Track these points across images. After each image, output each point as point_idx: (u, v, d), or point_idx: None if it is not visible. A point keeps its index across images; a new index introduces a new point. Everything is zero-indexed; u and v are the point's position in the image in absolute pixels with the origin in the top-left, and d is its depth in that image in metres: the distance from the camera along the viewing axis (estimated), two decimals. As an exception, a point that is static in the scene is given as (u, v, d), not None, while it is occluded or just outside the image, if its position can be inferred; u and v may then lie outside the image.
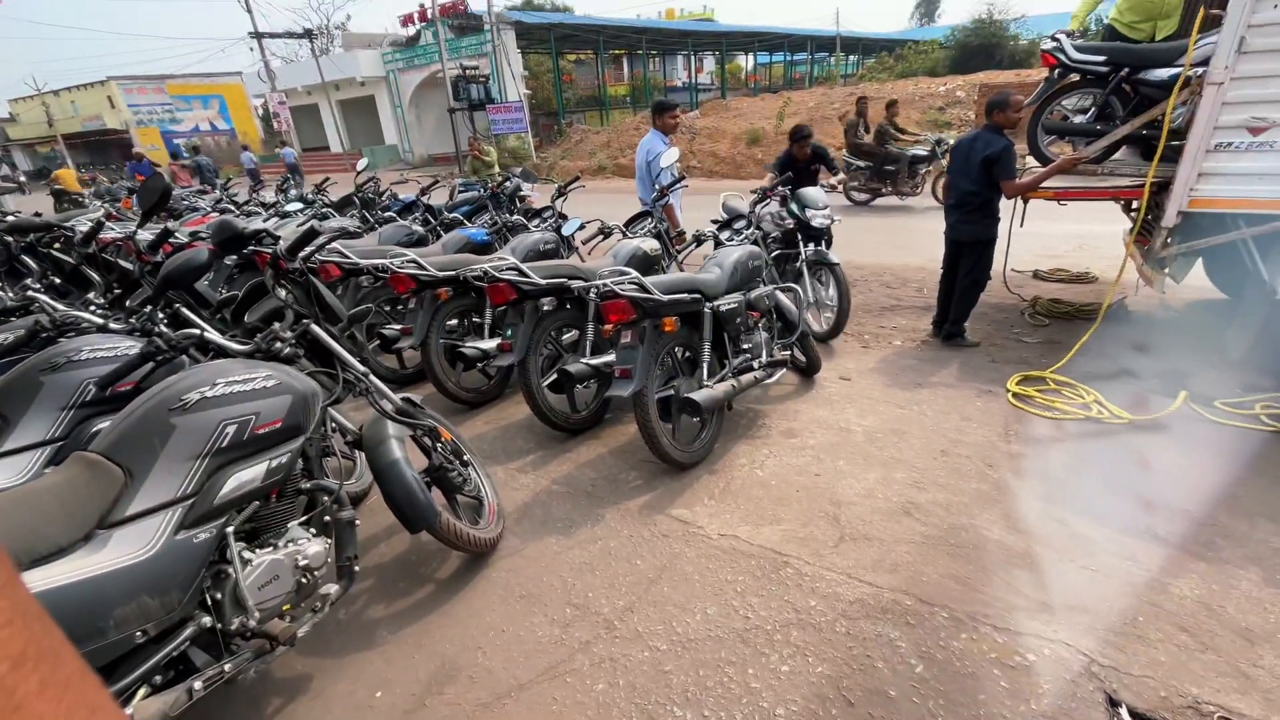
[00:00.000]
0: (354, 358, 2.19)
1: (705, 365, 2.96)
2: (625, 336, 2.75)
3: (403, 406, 2.25)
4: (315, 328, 2.04)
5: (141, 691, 1.48)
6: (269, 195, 7.99)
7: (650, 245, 3.84)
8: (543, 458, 3.21)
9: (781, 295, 3.67)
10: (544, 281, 3.13)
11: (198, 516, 1.60)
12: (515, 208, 6.37)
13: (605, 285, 2.60)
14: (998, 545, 2.35)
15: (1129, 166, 4.24)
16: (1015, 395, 3.51)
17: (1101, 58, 4.02)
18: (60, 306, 2.72)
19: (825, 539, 2.45)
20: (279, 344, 1.95)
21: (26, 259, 3.34)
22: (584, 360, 3.18)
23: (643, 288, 2.64)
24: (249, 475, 1.70)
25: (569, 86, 30.04)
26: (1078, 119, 4.35)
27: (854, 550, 2.38)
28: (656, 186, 4.57)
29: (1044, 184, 4.02)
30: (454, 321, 3.96)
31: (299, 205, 6.15)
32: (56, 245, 3.46)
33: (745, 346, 3.27)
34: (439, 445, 2.36)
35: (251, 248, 4.47)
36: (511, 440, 3.41)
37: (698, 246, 3.67)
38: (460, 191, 7.17)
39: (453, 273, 3.52)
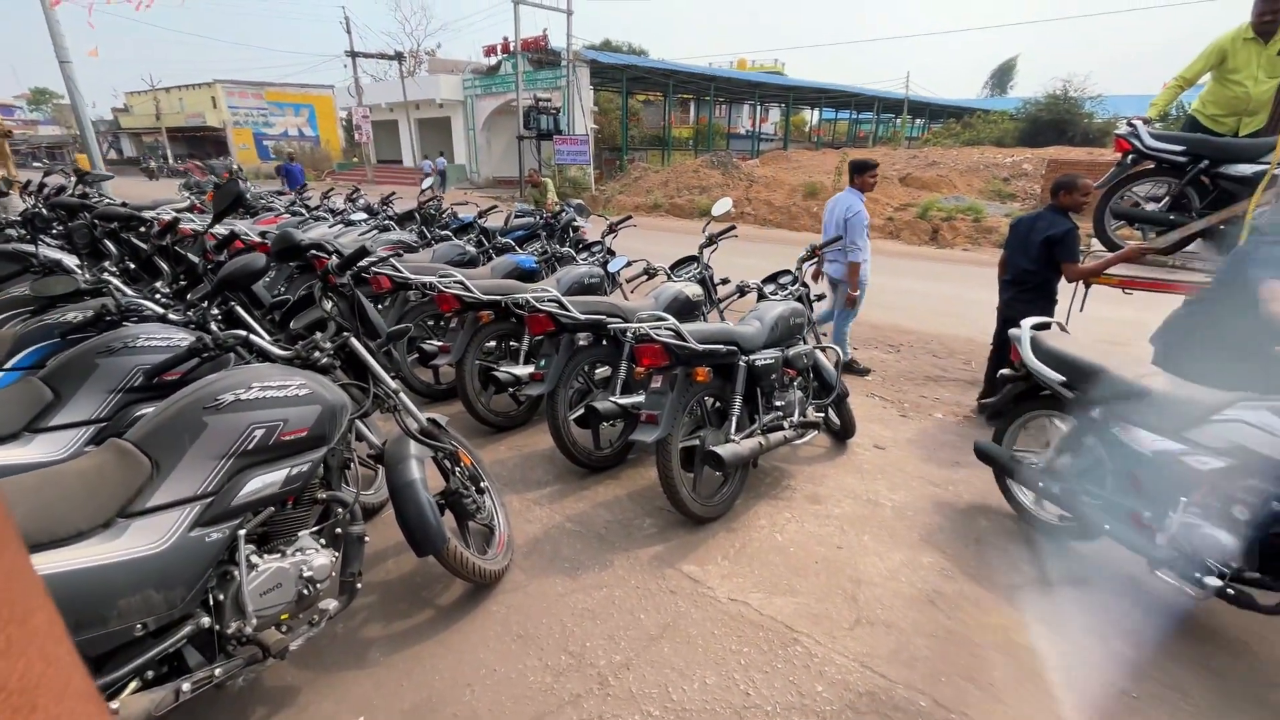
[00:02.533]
0: (388, 374, 2.23)
1: (734, 419, 2.91)
2: (655, 382, 2.73)
3: (427, 427, 2.27)
4: (354, 341, 2.09)
5: (132, 685, 1.49)
6: (338, 202, 8.39)
7: (693, 290, 3.84)
8: (560, 492, 3.18)
9: (821, 355, 3.60)
10: (583, 316, 3.15)
11: (214, 516, 1.62)
12: (568, 238, 6.52)
13: (641, 329, 2.59)
14: (1028, 653, 2.18)
15: (1202, 261, 4.05)
16: (1061, 488, 3.31)
17: (1180, 147, 3.89)
18: (129, 292, 2.88)
19: (840, 619, 2.32)
20: (318, 353, 2.00)
21: (108, 242, 3.58)
22: (613, 399, 3.17)
23: (679, 335, 2.63)
24: (268, 480, 1.73)
25: (635, 125, 30.97)
26: (1149, 207, 4.20)
27: (870, 635, 2.24)
28: (845, 243, 4.29)
29: (1109, 270, 3.87)
30: (492, 344, 4.02)
31: (363, 215, 6.45)
32: (136, 232, 3.70)
33: (778, 403, 3.20)
34: (457, 469, 2.36)
35: (313, 252, 4.70)
36: (531, 470, 3.40)
37: (740, 297, 3.66)
38: (517, 216, 7.39)
39: (496, 297, 3.59)
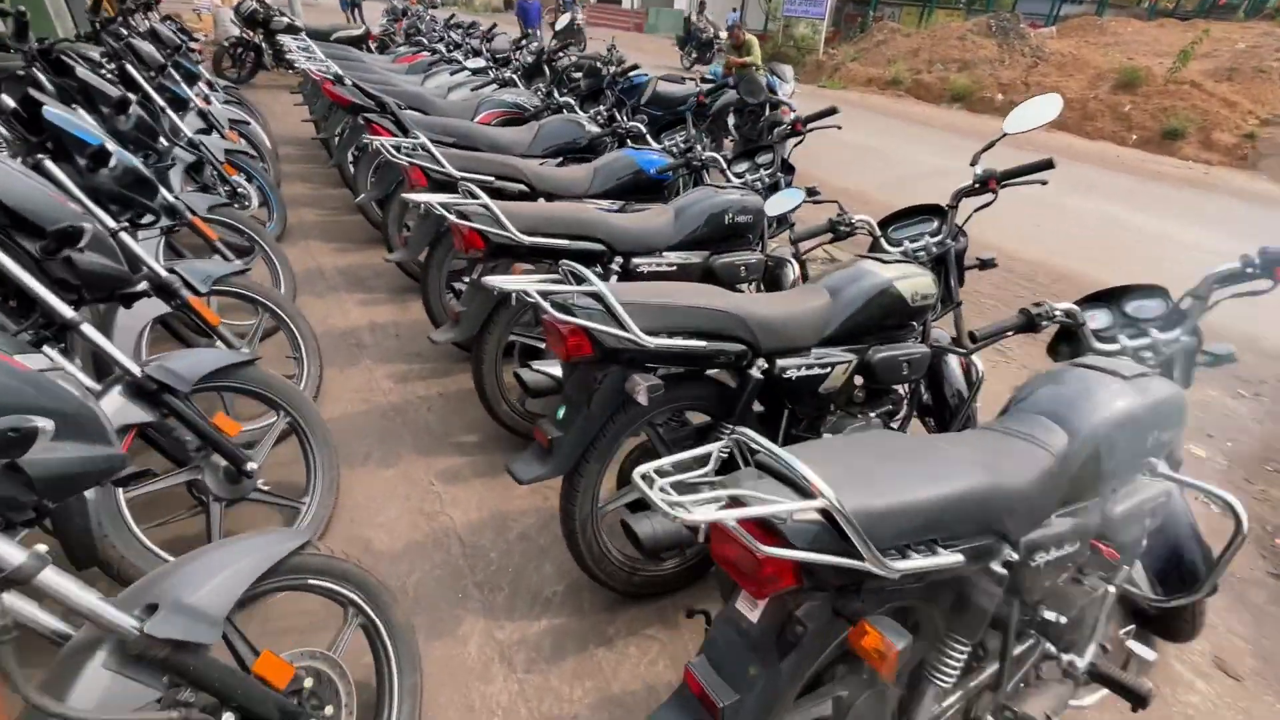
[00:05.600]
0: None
1: (945, 676, 1.19)
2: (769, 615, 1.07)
3: (136, 641, 0.92)
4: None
5: None
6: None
7: (914, 286, 1.87)
8: (562, 635, 1.77)
9: (1186, 506, 1.60)
10: (651, 344, 1.48)
11: None
12: (761, 120, 4.46)
13: (771, 512, 0.89)
14: None
15: None
16: None
17: None
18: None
19: None
20: None
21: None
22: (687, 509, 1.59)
23: (852, 529, 0.90)
24: None
25: (894, -30, 24.54)
26: None
27: None
28: None
29: None
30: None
31: (482, 63, 4.98)
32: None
33: (1050, 619, 1.36)
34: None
35: (365, 117, 3.45)
36: (544, 552, 2.01)
37: (1015, 334, 1.63)
38: (707, 80, 5.48)
39: (544, 242, 2.05)
